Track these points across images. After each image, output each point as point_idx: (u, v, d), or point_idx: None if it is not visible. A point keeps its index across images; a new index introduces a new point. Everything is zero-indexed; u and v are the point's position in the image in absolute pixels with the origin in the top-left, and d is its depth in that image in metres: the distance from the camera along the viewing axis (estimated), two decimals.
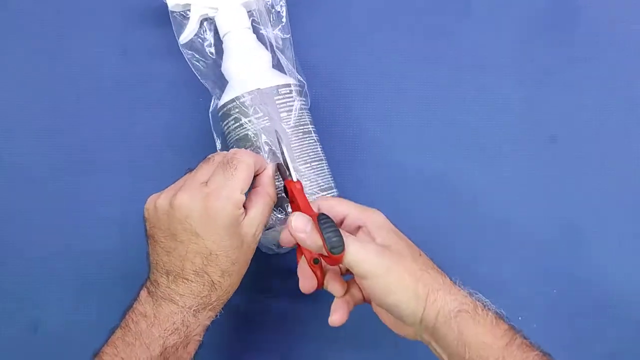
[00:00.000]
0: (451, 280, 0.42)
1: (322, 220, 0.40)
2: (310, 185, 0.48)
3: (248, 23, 0.52)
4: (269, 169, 0.46)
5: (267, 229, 0.48)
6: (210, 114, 0.52)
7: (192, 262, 0.42)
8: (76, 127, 0.56)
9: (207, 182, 0.43)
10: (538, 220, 0.55)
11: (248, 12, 0.52)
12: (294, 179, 0.46)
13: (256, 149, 0.47)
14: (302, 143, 0.48)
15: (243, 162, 0.43)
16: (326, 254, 0.40)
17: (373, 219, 0.44)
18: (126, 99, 0.56)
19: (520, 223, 0.55)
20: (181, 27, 0.53)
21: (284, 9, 0.52)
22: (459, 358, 0.40)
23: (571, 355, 0.54)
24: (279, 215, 0.48)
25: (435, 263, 0.44)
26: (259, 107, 0.47)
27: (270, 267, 0.54)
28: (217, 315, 0.44)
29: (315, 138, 0.50)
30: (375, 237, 0.43)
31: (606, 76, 0.57)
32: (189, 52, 0.53)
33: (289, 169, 0.47)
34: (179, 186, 0.43)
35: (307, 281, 0.45)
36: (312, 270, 0.44)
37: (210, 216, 0.42)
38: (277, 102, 0.48)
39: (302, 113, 0.49)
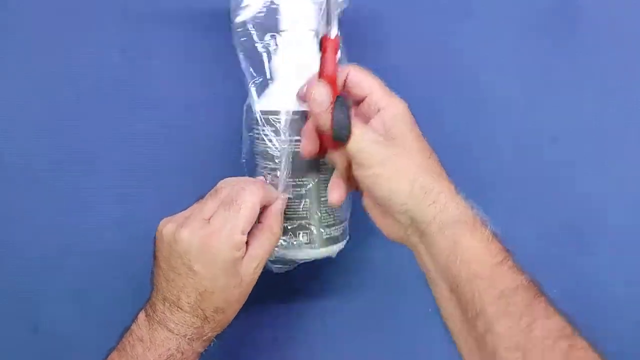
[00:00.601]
0: (456, 190, 0.41)
1: (339, 102, 0.40)
2: (325, 218, 0.47)
3: (313, 25, 0.46)
4: (277, 204, 0.45)
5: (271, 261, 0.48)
6: (245, 107, 0.49)
7: (187, 296, 0.42)
8: (76, 127, 0.56)
9: (209, 219, 0.43)
10: (538, 220, 0.55)
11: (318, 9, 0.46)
12: (332, 36, 0.42)
13: (274, 170, 0.46)
14: (328, 174, 0.46)
15: (247, 202, 0.43)
16: (331, 136, 0.40)
17: (393, 106, 0.42)
18: (126, 98, 0.56)
19: (520, 222, 0.55)
20: (239, 5, 0.47)
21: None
22: (446, 269, 0.38)
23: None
24: (283, 242, 0.47)
25: None
26: (297, 131, 0.45)
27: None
28: (211, 344, 0.44)
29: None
30: (387, 126, 0.41)
31: (606, 76, 0.56)
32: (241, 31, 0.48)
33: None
34: (186, 217, 0.44)
35: (309, 143, 0.44)
36: (318, 137, 0.43)
37: (208, 255, 0.42)
38: None
39: None
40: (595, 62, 0.57)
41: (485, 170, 0.56)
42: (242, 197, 0.43)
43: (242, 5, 0.47)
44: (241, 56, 0.48)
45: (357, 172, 0.41)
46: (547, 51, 0.57)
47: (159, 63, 0.56)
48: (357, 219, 0.51)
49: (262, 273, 0.51)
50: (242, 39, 0.48)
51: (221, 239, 0.42)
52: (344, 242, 0.49)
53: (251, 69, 0.48)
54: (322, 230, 0.47)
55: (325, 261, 0.49)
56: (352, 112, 0.42)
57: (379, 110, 0.42)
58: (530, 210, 0.55)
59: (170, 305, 0.43)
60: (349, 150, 0.40)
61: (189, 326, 0.42)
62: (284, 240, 0.47)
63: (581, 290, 0.54)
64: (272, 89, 0.47)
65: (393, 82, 0.56)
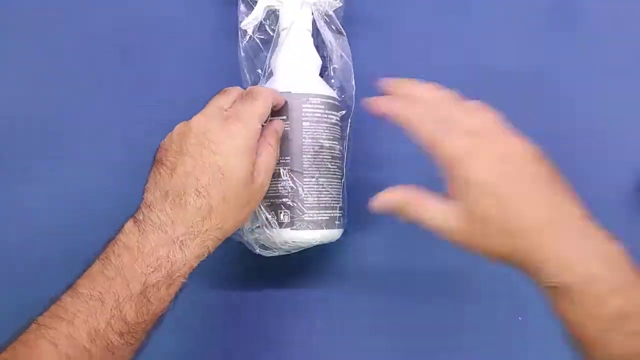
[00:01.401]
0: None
1: None
2: (309, 200, 0.47)
3: (309, 24, 0.52)
4: (275, 124, 0.47)
5: (256, 227, 0.48)
6: None
7: (197, 179, 0.41)
8: (76, 127, 0.56)
9: (226, 109, 0.43)
10: None
11: (316, 12, 0.52)
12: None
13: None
14: (315, 157, 0.48)
15: (262, 94, 0.44)
16: None
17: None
18: (126, 98, 0.56)
19: None
20: (247, 11, 0.53)
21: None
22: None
23: (571, 355, 0.54)
24: (265, 220, 0.48)
25: (434, 262, 0.44)
26: (284, 110, 0.48)
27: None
28: (205, 256, 0.42)
29: (333, 155, 0.49)
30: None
31: (607, 76, 0.57)
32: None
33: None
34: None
35: None
36: None
37: (227, 135, 0.42)
38: (303, 109, 0.48)
39: (327, 127, 0.49)
40: (596, 62, 0.57)
41: None
42: (256, 90, 0.45)
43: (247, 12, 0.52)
44: (244, 58, 0.52)
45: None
46: (547, 51, 0.57)
47: (160, 63, 0.56)
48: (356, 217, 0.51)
49: (260, 266, 0.50)
50: (247, 45, 0.52)
51: (240, 121, 0.42)
52: (334, 231, 0.49)
53: (258, 70, 0.53)
54: (306, 212, 0.47)
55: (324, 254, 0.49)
56: None
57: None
58: None
59: (172, 198, 0.40)
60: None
61: (187, 223, 0.40)
62: (265, 219, 0.48)
63: None
64: (274, 78, 0.51)
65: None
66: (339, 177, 0.50)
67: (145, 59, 0.57)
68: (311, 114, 0.48)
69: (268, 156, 0.45)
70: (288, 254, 0.51)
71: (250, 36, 0.52)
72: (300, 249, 0.51)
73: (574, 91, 0.57)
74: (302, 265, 0.54)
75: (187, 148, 0.42)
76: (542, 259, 0.36)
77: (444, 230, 0.39)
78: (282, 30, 0.51)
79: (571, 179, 0.55)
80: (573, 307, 0.35)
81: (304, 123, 0.48)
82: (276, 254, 0.50)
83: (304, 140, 0.48)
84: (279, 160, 0.47)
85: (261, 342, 0.54)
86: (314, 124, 0.48)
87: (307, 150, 0.48)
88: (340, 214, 0.50)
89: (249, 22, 0.52)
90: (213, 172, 0.41)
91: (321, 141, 0.49)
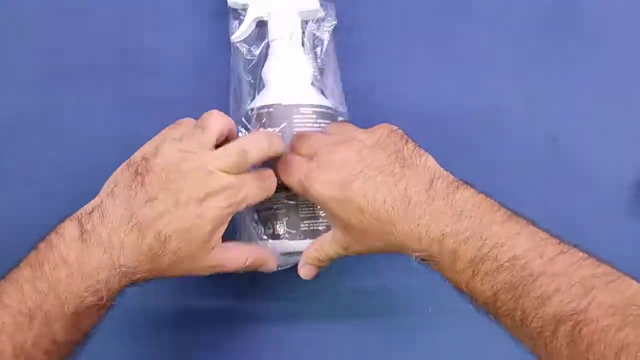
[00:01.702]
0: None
1: None
2: (304, 209, 0.47)
3: (298, 33, 0.51)
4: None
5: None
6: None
7: (166, 224, 0.38)
8: (76, 127, 0.56)
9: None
10: (538, 220, 0.55)
11: (305, 21, 0.52)
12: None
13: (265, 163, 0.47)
14: None
15: (209, 121, 0.42)
16: None
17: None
18: (126, 99, 0.56)
19: None
20: (237, 24, 0.53)
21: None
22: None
23: None
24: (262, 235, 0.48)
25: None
26: (276, 121, 0.47)
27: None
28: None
29: None
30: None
31: (607, 76, 0.57)
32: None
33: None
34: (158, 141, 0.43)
35: None
36: None
37: (195, 185, 0.40)
38: (294, 120, 0.47)
39: None
40: (596, 62, 0.57)
41: (485, 169, 0.55)
42: (205, 118, 0.42)
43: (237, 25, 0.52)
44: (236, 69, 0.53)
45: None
46: (547, 51, 0.57)
47: (160, 63, 0.56)
48: None
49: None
50: (239, 56, 0.52)
51: (242, 195, 0.40)
52: None
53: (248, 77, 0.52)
54: (301, 222, 0.47)
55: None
56: None
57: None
58: (530, 210, 0.55)
59: (134, 226, 0.37)
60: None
61: (135, 258, 0.37)
62: (262, 233, 0.48)
63: None
64: (265, 90, 0.50)
65: (393, 83, 0.56)
66: None
67: (146, 59, 0.57)
68: (302, 125, 0.47)
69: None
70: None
71: (245, 48, 0.53)
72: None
73: (574, 91, 0.57)
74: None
75: (168, 184, 0.38)
76: (400, 241, 0.38)
77: (339, 254, 0.43)
78: (272, 41, 0.51)
79: (571, 179, 0.56)
80: (443, 270, 0.38)
81: (295, 133, 0.47)
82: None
83: None
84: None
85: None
86: None
87: None
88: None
89: (239, 35, 0.52)
90: (180, 224, 0.38)
91: None
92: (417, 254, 0.38)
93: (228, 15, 0.53)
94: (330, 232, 0.44)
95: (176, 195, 0.38)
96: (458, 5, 0.57)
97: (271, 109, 0.48)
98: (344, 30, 0.54)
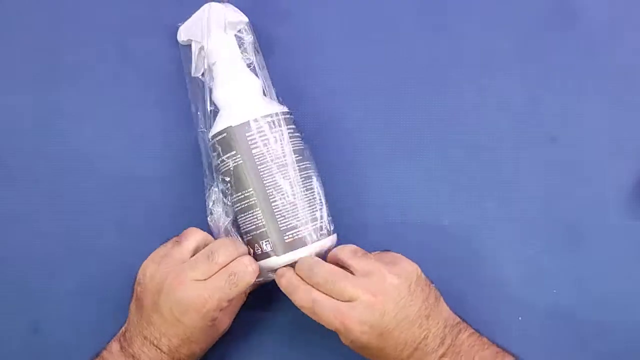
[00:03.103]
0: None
1: None
2: (283, 222, 0.47)
3: (234, 51, 0.50)
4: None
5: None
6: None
7: (169, 340, 0.45)
8: (76, 127, 0.56)
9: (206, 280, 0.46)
10: (538, 220, 0.55)
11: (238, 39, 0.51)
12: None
13: (232, 187, 0.48)
14: (274, 179, 0.47)
15: (245, 280, 0.46)
16: None
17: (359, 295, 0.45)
18: (126, 99, 0.56)
19: (520, 223, 0.55)
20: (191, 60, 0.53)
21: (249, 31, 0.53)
22: None
23: (571, 355, 0.54)
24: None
25: (434, 265, 0.44)
26: (232, 144, 0.47)
27: None
28: None
29: (300, 167, 0.48)
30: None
31: (606, 76, 0.56)
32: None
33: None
34: (179, 270, 0.46)
35: None
36: None
37: (197, 312, 0.45)
38: (248, 137, 0.47)
39: (281, 144, 0.47)
40: (596, 62, 0.57)
41: (485, 169, 0.55)
42: (242, 274, 0.45)
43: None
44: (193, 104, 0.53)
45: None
46: (547, 51, 0.57)
47: (160, 63, 0.56)
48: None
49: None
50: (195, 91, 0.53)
51: (214, 302, 0.44)
52: (325, 240, 0.48)
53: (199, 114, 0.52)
54: (286, 235, 0.47)
55: None
56: None
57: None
58: (530, 210, 0.55)
59: (149, 344, 0.45)
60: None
61: (158, 356, 0.46)
62: (253, 253, 0.48)
63: (581, 290, 0.54)
64: (218, 115, 0.50)
65: (393, 81, 0.56)
66: (312, 186, 0.49)
67: (146, 59, 0.57)
68: (257, 139, 0.47)
69: (236, 305, 0.50)
70: None
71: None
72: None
73: (574, 91, 0.57)
74: None
75: (162, 311, 0.45)
76: None
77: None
78: (212, 65, 0.50)
79: (571, 179, 0.56)
80: None
81: (253, 150, 0.47)
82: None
83: (259, 166, 0.47)
84: (243, 194, 0.47)
85: None
86: (264, 147, 0.47)
87: (267, 174, 0.47)
88: (328, 220, 0.49)
89: (195, 69, 0.53)
90: (183, 339, 0.46)
91: (279, 159, 0.47)
92: None
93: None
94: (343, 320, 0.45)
95: (165, 314, 0.45)
96: (458, 5, 0.57)
97: (224, 134, 0.47)
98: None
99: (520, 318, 0.54)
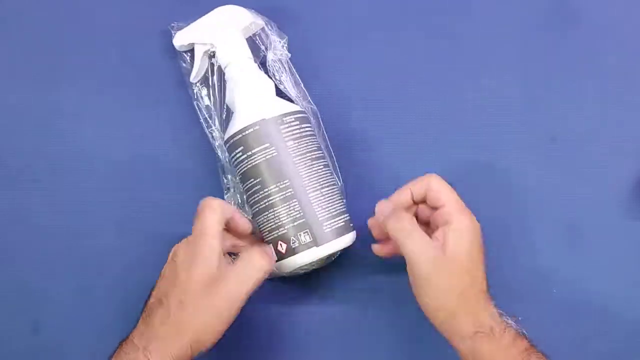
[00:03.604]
0: (488, 301, 0.45)
1: None
2: (322, 212, 0.47)
3: (248, 53, 0.51)
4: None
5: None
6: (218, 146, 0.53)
7: (163, 291, 0.44)
8: (76, 127, 0.56)
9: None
10: (538, 220, 0.55)
11: (250, 39, 0.53)
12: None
13: (264, 182, 0.47)
14: (310, 170, 0.48)
15: (204, 208, 0.45)
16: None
17: (458, 223, 0.45)
18: (126, 99, 0.56)
19: (520, 223, 0.55)
20: (191, 65, 0.54)
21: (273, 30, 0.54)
22: None
23: (571, 355, 0.54)
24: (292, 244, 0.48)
25: None
26: (264, 138, 0.47)
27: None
28: None
29: (324, 163, 0.49)
30: (446, 241, 0.45)
31: (606, 76, 0.57)
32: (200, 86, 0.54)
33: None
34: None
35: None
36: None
37: (185, 252, 0.45)
38: (282, 130, 0.47)
39: (309, 140, 0.49)
40: (596, 62, 0.57)
41: (485, 169, 0.56)
42: (201, 205, 0.45)
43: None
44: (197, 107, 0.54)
45: (408, 269, 0.45)
46: (547, 51, 0.57)
47: (160, 63, 0.56)
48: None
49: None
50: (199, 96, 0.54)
51: (193, 242, 0.44)
52: (352, 234, 0.49)
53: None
54: (324, 225, 0.47)
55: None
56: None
57: (446, 223, 0.46)
58: (530, 210, 0.55)
59: (146, 314, 0.43)
60: (405, 253, 0.45)
61: (151, 330, 0.42)
62: (287, 248, 0.47)
63: (581, 290, 0.54)
64: (233, 116, 0.50)
65: (393, 81, 0.56)
66: (335, 182, 0.50)
67: (145, 59, 0.57)
68: (290, 133, 0.47)
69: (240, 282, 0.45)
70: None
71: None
72: (328, 262, 0.52)
73: (574, 91, 0.57)
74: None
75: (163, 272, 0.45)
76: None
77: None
78: (225, 68, 0.51)
79: (571, 179, 0.56)
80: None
81: (287, 143, 0.47)
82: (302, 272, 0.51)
83: (294, 159, 0.47)
84: (278, 187, 0.47)
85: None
86: (297, 141, 0.48)
87: (302, 167, 0.47)
88: (349, 217, 0.50)
89: (196, 74, 0.53)
90: (173, 281, 0.43)
91: (309, 154, 0.48)
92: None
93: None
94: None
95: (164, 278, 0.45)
96: (458, 5, 0.57)
97: (254, 128, 0.47)
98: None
99: (520, 318, 0.54)
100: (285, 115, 0.48)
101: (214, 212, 0.44)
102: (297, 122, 0.48)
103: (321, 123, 0.53)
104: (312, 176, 0.48)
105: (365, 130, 0.56)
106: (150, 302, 0.44)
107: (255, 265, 0.45)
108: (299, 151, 0.47)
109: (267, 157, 0.47)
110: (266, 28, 0.54)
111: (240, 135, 0.48)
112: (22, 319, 0.54)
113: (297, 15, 0.57)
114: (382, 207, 0.47)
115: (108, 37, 0.56)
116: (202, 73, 0.54)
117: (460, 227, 0.45)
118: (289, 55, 0.54)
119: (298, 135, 0.48)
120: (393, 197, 0.48)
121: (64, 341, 0.53)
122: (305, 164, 0.48)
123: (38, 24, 0.56)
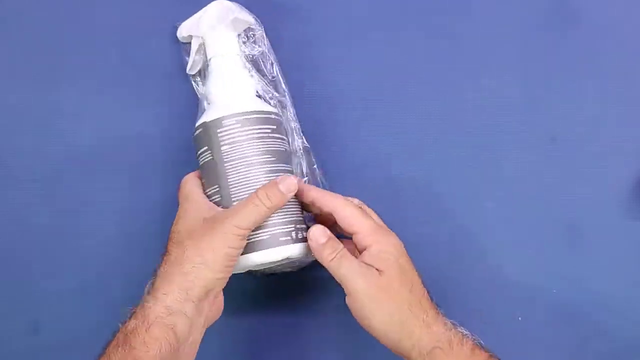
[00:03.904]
0: (437, 312, 0.45)
1: None
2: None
3: (234, 48, 0.51)
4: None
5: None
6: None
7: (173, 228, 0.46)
8: (76, 127, 0.56)
9: None
10: (538, 220, 0.55)
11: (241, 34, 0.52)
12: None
13: (205, 185, 0.48)
14: (240, 177, 0.46)
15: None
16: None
17: (379, 244, 0.45)
18: (126, 99, 0.56)
19: (520, 223, 0.55)
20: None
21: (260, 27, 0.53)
22: None
23: (571, 355, 0.54)
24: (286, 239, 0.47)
25: (434, 264, 0.44)
26: (204, 142, 0.47)
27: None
28: (190, 301, 0.43)
29: (271, 169, 0.47)
30: (373, 261, 0.45)
31: (606, 76, 0.57)
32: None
33: None
34: None
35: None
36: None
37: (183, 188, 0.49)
38: (219, 134, 0.46)
39: (252, 144, 0.46)
40: (595, 62, 0.57)
41: (485, 169, 0.56)
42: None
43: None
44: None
45: (346, 300, 0.45)
46: (547, 51, 0.57)
47: (160, 63, 0.56)
48: None
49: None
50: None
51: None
52: (290, 247, 0.47)
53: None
54: (251, 235, 0.45)
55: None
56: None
57: (365, 248, 0.45)
58: (530, 210, 0.55)
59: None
60: (338, 277, 0.45)
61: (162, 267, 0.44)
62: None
63: (581, 290, 0.54)
64: (211, 105, 0.50)
65: (393, 81, 0.56)
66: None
67: (145, 60, 0.57)
68: (228, 136, 0.46)
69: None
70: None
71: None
72: (274, 272, 0.51)
73: (574, 91, 0.57)
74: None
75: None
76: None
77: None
78: (209, 60, 0.51)
79: (571, 179, 0.56)
80: None
81: (222, 147, 0.46)
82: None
83: (225, 164, 0.46)
84: (211, 191, 0.47)
85: None
86: (232, 145, 0.46)
87: (232, 173, 0.46)
88: (297, 228, 0.47)
89: (191, 67, 0.53)
90: (178, 214, 0.46)
91: (247, 159, 0.46)
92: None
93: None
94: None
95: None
96: (458, 5, 0.57)
97: (200, 129, 0.48)
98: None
99: (520, 318, 0.54)
100: (227, 117, 0.47)
101: (193, 179, 0.48)
102: (239, 125, 0.47)
103: (292, 117, 0.53)
104: (241, 183, 0.46)
105: (365, 130, 0.56)
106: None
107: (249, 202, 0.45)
108: (232, 156, 0.46)
109: (205, 160, 0.47)
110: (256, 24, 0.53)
111: (193, 135, 0.48)
112: (22, 319, 0.54)
113: (297, 15, 0.57)
114: (317, 235, 0.46)
115: (108, 37, 0.56)
116: (199, 66, 0.54)
117: (380, 248, 0.45)
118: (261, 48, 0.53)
119: (236, 139, 0.46)
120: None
121: (64, 341, 0.53)
122: (235, 170, 0.46)
123: (38, 24, 0.56)
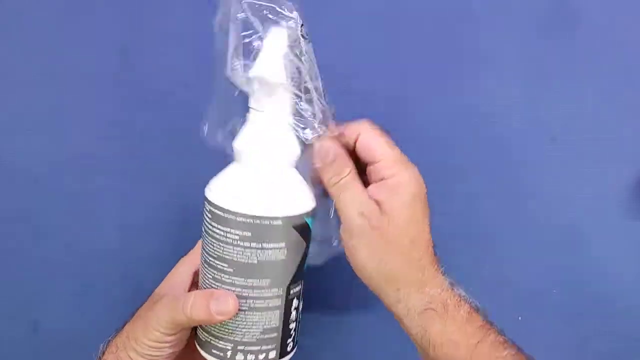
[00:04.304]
0: (437, 271, 0.40)
1: None
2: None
3: (289, 105, 0.40)
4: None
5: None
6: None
7: None
8: (76, 127, 0.56)
9: None
10: (538, 220, 0.55)
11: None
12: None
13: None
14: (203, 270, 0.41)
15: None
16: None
17: (397, 177, 0.40)
18: (126, 98, 0.56)
19: (520, 223, 0.55)
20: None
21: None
22: (425, 352, 0.39)
23: (571, 355, 0.54)
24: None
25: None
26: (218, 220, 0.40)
27: None
28: None
29: (213, 276, 0.40)
30: (382, 198, 0.39)
31: (606, 76, 0.57)
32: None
33: None
34: None
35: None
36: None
37: None
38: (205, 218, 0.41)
39: (211, 242, 0.40)
40: (595, 62, 0.57)
41: (485, 169, 0.56)
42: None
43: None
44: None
45: (341, 230, 0.40)
46: (547, 51, 0.57)
47: (160, 62, 0.56)
48: None
49: None
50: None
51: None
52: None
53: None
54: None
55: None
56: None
57: (381, 179, 0.40)
58: (530, 210, 0.55)
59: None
60: (336, 204, 0.40)
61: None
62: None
63: (581, 290, 0.54)
64: (227, 171, 0.42)
65: (393, 81, 0.56)
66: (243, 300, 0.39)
67: (146, 58, 0.57)
68: (204, 226, 0.41)
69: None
70: None
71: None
72: None
73: (574, 91, 0.57)
74: None
75: None
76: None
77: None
78: (250, 109, 0.40)
79: (571, 179, 0.56)
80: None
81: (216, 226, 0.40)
82: None
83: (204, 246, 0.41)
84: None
85: None
86: (202, 238, 0.41)
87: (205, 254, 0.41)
88: (242, 350, 0.40)
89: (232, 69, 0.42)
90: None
91: (204, 257, 0.41)
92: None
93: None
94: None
95: None
96: (458, 5, 0.57)
97: (217, 211, 0.39)
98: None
99: (520, 318, 0.54)
100: (212, 205, 0.40)
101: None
102: (209, 217, 0.40)
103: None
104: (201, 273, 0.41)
105: None
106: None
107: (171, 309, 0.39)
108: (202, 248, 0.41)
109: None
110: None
111: (207, 202, 0.42)
112: (22, 319, 0.54)
113: (294, 15, 0.57)
114: (323, 151, 0.39)
115: (108, 37, 0.56)
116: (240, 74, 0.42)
117: (398, 181, 0.39)
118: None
119: (204, 231, 0.41)
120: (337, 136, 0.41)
121: (64, 341, 0.54)
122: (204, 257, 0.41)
123: (38, 24, 0.56)
